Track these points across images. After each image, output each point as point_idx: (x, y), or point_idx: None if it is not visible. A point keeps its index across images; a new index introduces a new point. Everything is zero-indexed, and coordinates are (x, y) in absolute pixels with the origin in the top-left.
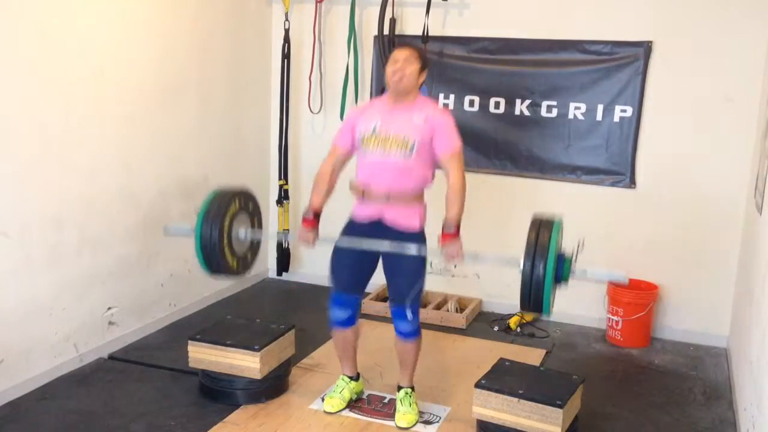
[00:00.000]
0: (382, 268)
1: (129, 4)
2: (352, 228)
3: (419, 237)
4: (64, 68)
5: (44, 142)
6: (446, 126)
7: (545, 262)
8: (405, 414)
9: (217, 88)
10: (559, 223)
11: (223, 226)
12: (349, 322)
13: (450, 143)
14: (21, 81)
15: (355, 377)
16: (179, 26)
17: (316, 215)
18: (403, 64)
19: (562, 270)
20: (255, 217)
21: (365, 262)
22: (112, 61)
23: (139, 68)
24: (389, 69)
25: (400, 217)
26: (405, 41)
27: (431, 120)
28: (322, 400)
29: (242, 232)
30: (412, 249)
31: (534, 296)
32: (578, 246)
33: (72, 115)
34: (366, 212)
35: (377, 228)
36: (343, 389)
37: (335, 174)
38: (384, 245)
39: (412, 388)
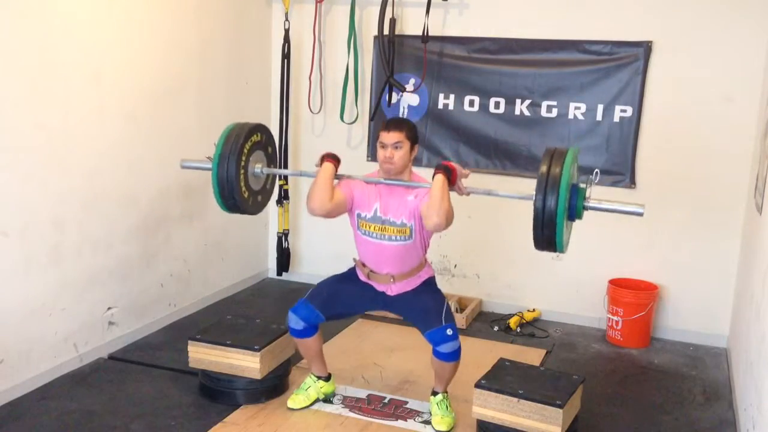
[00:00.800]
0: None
1: (129, 5)
2: (356, 281)
3: (426, 284)
4: (64, 68)
5: (44, 143)
6: (428, 191)
7: (557, 196)
8: (443, 417)
9: (217, 88)
10: (573, 153)
11: (240, 160)
12: (305, 333)
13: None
14: (21, 81)
15: (325, 377)
16: (179, 26)
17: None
18: (391, 150)
19: (576, 202)
20: (271, 153)
21: (355, 306)
22: (112, 62)
23: (139, 68)
24: (379, 152)
25: (406, 286)
26: (404, 42)
27: (420, 196)
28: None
29: (258, 167)
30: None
31: (547, 232)
32: (592, 178)
33: (72, 116)
34: (371, 285)
35: (383, 297)
36: (309, 387)
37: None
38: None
39: (447, 392)
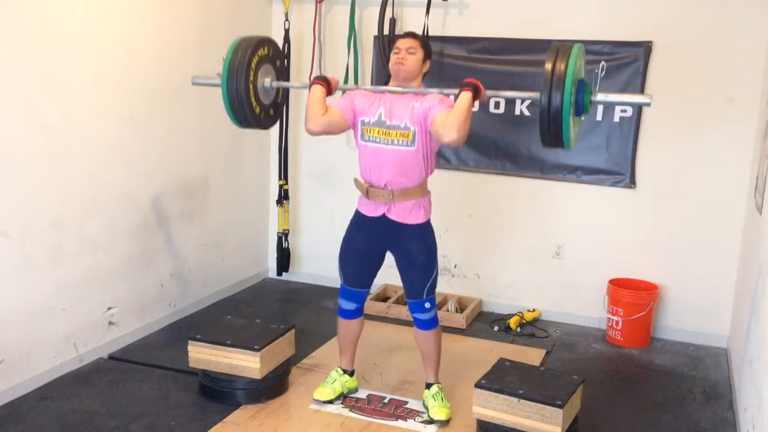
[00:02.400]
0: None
1: (129, 5)
2: (359, 222)
3: (426, 228)
4: (64, 68)
5: (44, 143)
6: (439, 99)
7: (562, 92)
8: (440, 408)
9: (217, 88)
10: (578, 49)
11: (248, 74)
12: (355, 314)
13: (443, 104)
14: (21, 81)
15: (350, 372)
16: (179, 26)
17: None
18: (404, 53)
19: (583, 97)
20: (279, 67)
21: (372, 258)
22: (112, 62)
23: (139, 68)
24: (392, 58)
25: (405, 213)
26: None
27: (426, 103)
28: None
29: (267, 80)
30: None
31: (553, 129)
32: (597, 71)
33: (72, 116)
34: (371, 209)
35: (383, 223)
36: (335, 380)
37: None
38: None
39: (440, 384)
